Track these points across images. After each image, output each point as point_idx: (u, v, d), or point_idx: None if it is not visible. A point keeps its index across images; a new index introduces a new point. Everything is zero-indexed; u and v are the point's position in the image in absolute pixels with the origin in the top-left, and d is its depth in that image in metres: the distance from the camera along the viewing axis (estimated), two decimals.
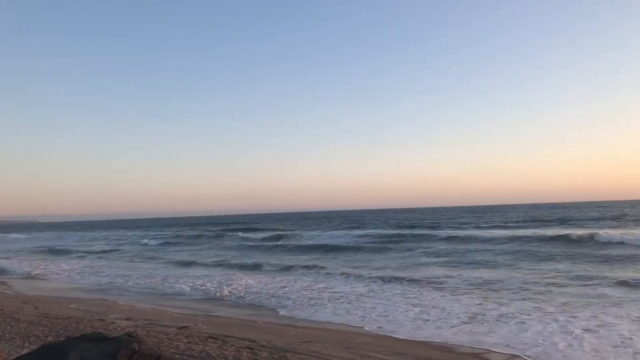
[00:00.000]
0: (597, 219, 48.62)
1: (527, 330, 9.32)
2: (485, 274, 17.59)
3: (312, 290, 15.35)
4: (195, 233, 57.20)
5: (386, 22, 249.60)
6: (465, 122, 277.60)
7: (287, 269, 21.81)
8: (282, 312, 12.34)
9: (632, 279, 14.45)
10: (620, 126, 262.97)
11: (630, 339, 8.46)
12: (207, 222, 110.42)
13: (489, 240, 30.62)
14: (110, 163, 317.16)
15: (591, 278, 15.32)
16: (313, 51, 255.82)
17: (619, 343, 8.26)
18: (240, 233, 52.81)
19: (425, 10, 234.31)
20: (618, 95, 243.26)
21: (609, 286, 13.77)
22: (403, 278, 16.95)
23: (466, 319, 10.52)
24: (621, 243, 24.54)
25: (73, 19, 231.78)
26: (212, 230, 61.72)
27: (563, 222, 47.34)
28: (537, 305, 11.62)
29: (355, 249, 30.48)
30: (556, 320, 9.94)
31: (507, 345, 8.35)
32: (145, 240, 48.73)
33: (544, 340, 8.59)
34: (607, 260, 19.61)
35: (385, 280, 16.96)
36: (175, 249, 39.47)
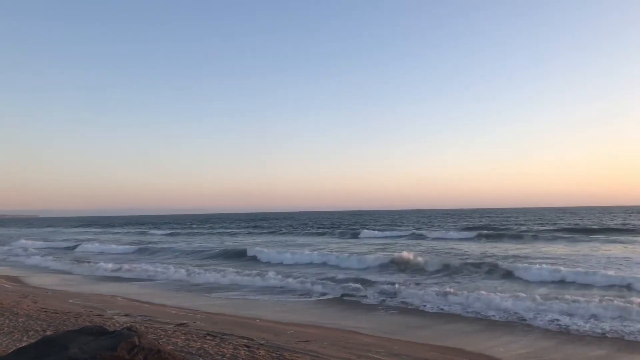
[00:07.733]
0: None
1: None
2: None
3: None
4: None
5: (386, 23, 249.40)
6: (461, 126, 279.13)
7: None
8: None
9: None
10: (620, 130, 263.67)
11: None
12: (170, 221, 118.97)
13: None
14: (116, 162, 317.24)
15: None
16: (312, 51, 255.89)
17: None
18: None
19: (430, 15, 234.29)
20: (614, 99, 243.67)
21: None
22: None
23: None
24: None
25: (75, 8, 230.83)
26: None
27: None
28: None
29: None
30: None
31: None
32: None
33: None
34: None
35: None
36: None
